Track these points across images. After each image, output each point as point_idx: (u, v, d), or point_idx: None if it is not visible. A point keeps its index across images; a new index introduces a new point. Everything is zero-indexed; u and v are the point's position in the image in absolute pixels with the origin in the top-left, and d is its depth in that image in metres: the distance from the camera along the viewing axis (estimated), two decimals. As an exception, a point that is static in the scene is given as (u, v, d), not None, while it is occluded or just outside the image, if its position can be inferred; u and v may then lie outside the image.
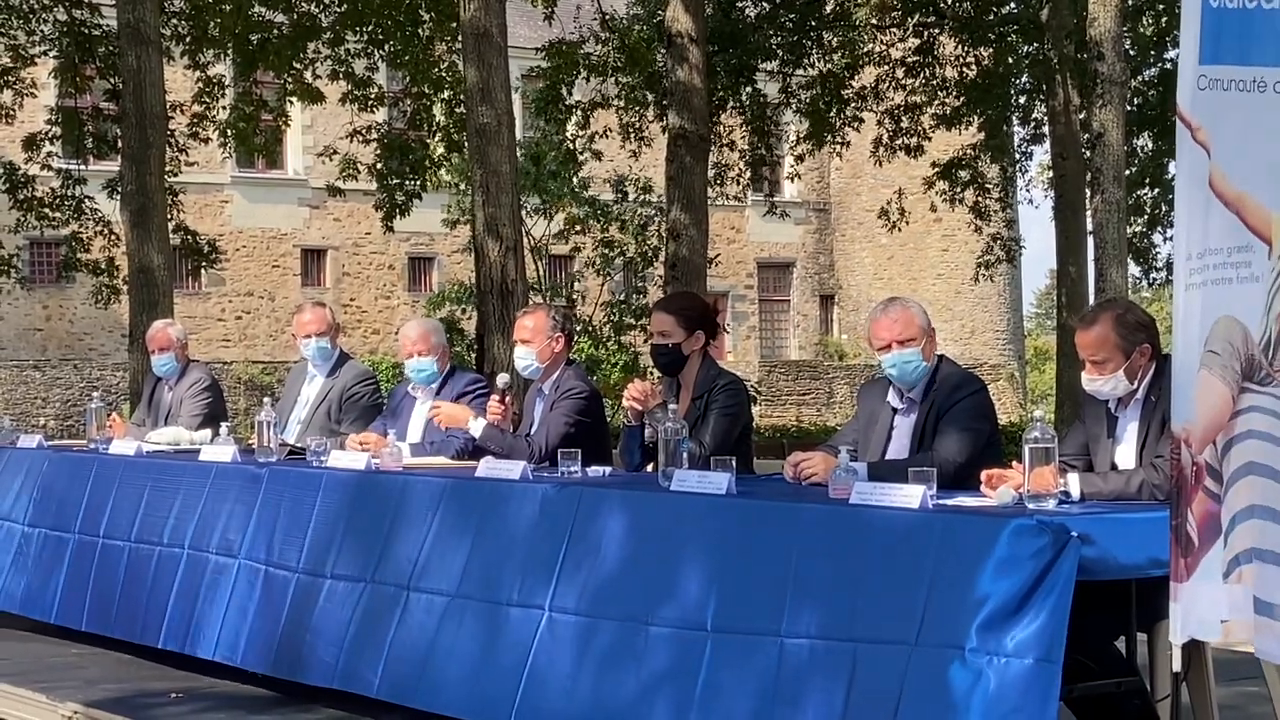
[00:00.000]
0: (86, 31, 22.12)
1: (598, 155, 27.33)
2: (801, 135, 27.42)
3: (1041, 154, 32.51)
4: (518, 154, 17.49)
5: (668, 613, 5.12)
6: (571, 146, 26.87)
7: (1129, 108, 22.43)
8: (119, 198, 18.58)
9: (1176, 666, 4.41)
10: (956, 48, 26.59)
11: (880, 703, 4.44)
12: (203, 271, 34.19)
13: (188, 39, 22.70)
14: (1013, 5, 27.10)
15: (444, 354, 7.72)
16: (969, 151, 27.93)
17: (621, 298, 32.52)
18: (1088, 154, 21.89)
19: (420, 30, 23.24)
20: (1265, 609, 4.19)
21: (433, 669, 5.85)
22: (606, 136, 25.66)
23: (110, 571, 7.80)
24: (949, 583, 4.40)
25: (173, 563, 7.38)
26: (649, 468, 6.61)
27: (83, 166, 23.04)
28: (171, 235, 19.54)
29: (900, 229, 28.72)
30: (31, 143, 22.86)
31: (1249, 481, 4.15)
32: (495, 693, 5.56)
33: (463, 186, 27.51)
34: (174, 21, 22.35)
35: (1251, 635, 4.23)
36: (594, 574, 5.42)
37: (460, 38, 16.63)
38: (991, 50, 26.54)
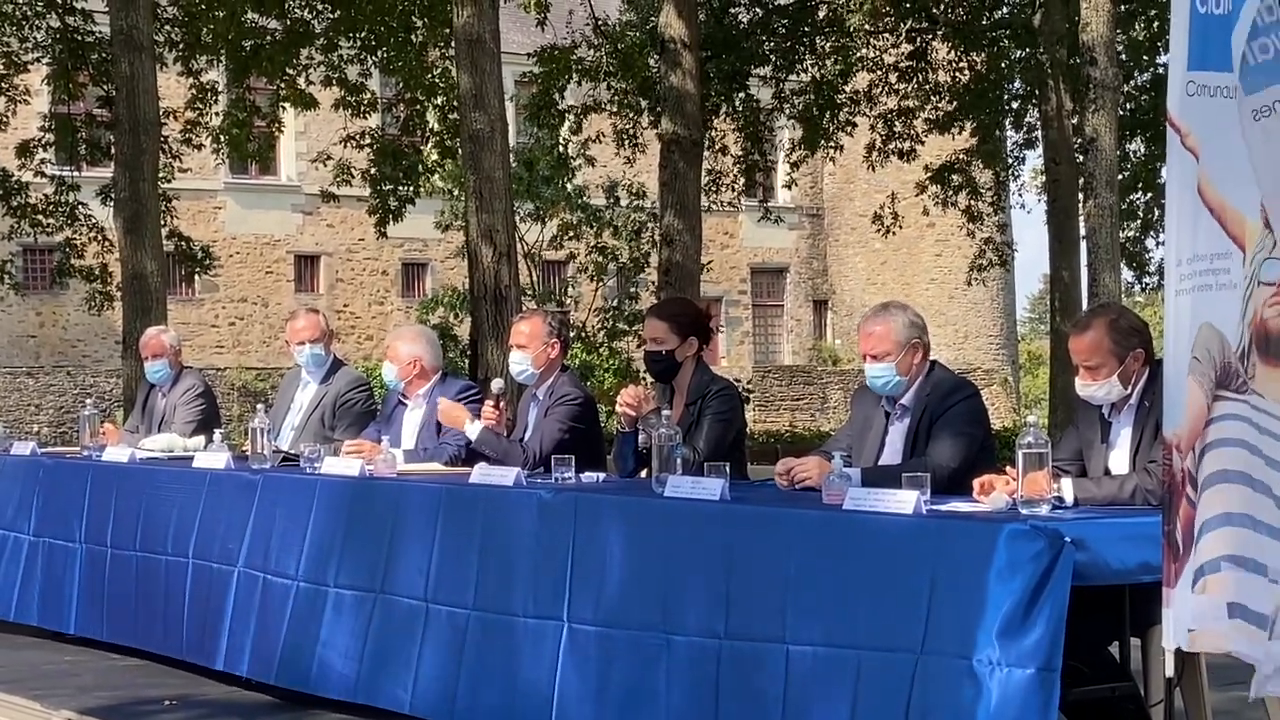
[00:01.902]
0: (79, 38, 22.12)
1: (590, 161, 27.35)
2: (795, 141, 27.44)
3: (1034, 159, 32.56)
4: (511, 160, 17.50)
5: (681, 621, 5.13)
6: (563, 151, 26.88)
7: (1121, 112, 22.46)
8: (112, 204, 18.60)
9: (1169, 672, 4.42)
10: (949, 53, 26.61)
11: (888, 712, 4.45)
12: (196, 278, 34.15)
13: (181, 45, 22.70)
14: (1005, 10, 27.13)
15: (414, 362, 7.70)
16: (962, 156, 27.96)
17: (614, 303, 32.53)
18: (1080, 159, 21.90)
19: (413, 36, 23.25)
20: (1241, 613, 4.21)
21: (467, 685, 5.84)
22: (600, 142, 25.67)
23: (123, 582, 7.82)
24: (947, 590, 4.41)
25: (180, 573, 7.40)
26: (643, 473, 6.61)
27: (76, 173, 23.04)
28: (165, 241, 19.54)
29: (894, 233, 28.74)
30: (25, 149, 22.85)
31: (1220, 490, 4.18)
32: (531, 707, 5.56)
33: (456, 192, 27.54)
34: (167, 28, 22.35)
35: (1217, 644, 4.25)
36: (604, 583, 5.43)
37: (453, 44, 16.64)
38: (984, 55, 26.56)
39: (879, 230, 28.65)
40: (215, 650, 7.09)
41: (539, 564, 5.67)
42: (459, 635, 5.91)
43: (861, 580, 4.63)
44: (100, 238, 22.81)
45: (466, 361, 18.13)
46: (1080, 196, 22.62)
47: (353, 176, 24.46)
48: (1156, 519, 4.35)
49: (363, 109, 23.99)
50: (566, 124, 25.23)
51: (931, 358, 5.90)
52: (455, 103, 19.29)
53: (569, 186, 31.43)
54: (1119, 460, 5.32)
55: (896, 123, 26.93)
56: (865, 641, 4.56)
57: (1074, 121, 23.07)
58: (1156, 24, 25.50)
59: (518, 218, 22.62)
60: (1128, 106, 25.05)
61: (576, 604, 5.50)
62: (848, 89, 26.47)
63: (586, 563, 5.50)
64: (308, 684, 6.54)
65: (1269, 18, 4.21)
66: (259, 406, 7.87)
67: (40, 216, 23.00)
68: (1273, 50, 4.22)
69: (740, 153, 26.97)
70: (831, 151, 27.29)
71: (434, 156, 25.42)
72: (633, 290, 33.17)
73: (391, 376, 7.73)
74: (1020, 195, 32.51)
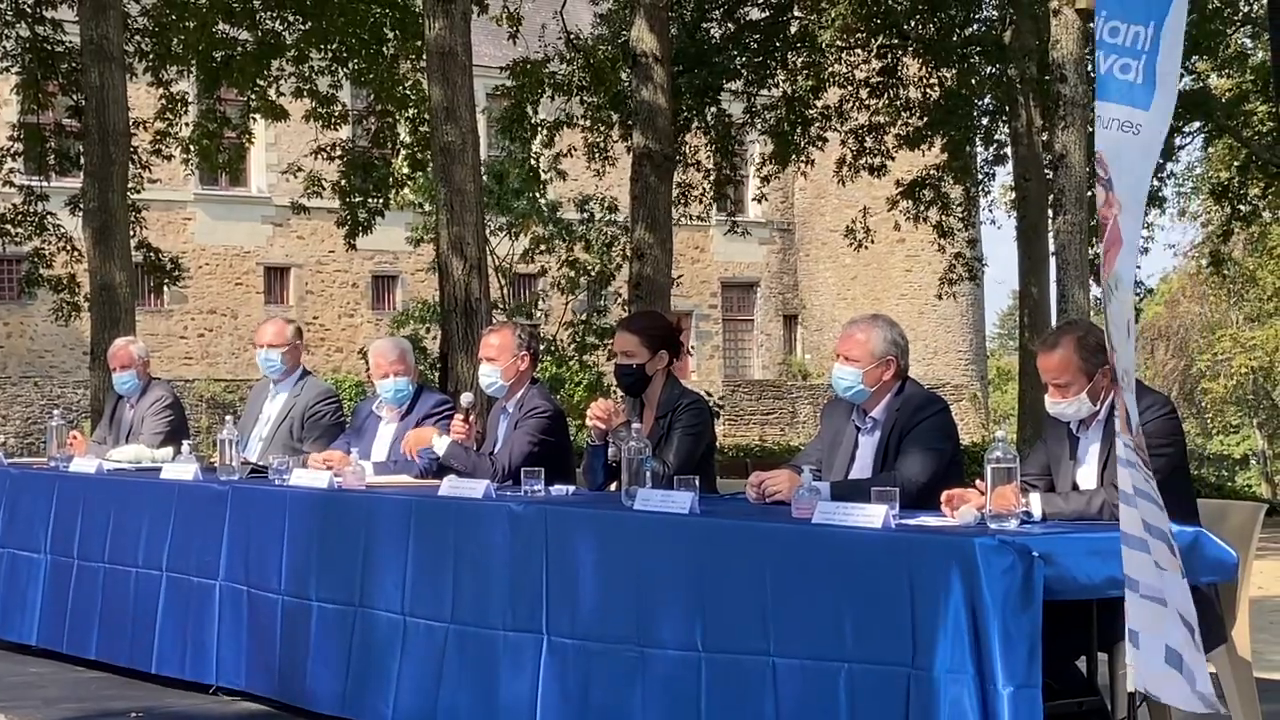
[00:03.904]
0: (49, 48, 22.04)
1: (562, 175, 27.37)
2: (766, 156, 27.51)
3: (1004, 175, 32.79)
4: (482, 172, 17.50)
5: (658, 634, 5.13)
6: (534, 165, 26.90)
7: (1091, 129, 22.56)
8: (81, 214, 18.51)
9: (1132, 687, 4.43)
10: (920, 69, 26.73)
11: None
12: (165, 289, 33.97)
13: (151, 56, 22.64)
14: (976, 27, 27.27)
15: (416, 374, 7.74)
16: (932, 172, 28.06)
17: (583, 317, 32.53)
18: (1050, 175, 22.00)
19: (385, 48, 23.25)
20: (1134, 638, 4.24)
21: (447, 699, 5.84)
22: (571, 156, 25.70)
23: (88, 594, 7.77)
24: (924, 604, 4.41)
25: (152, 585, 7.35)
26: (612, 487, 6.61)
27: (45, 183, 22.93)
28: (134, 252, 19.46)
29: (866, 248, 28.83)
30: (-8, 159, 22.76)
31: (1124, 508, 4.23)
32: None
33: (427, 206, 27.51)
34: (137, 38, 22.30)
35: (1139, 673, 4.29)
36: (579, 596, 5.44)
37: (425, 56, 16.63)
38: (954, 71, 26.68)
39: (850, 245, 28.74)
40: (203, 664, 7.06)
41: (514, 577, 5.67)
42: (438, 649, 5.91)
43: (839, 594, 4.63)
44: (69, 248, 22.70)
45: (436, 374, 18.10)
46: (1050, 213, 22.72)
47: (323, 188, 24.41)
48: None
49: (334, 121, 23.96)
50: (539, 138, 25.24)
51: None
52: (426, 115, 19.27)
53: (541, 201, 31.44)
54: (1087, 476, 5.34)
55: (867, 138, 27.03)
56: (854, 655, 4.56)
57: (1044, 138, 23.19)
58: (1125, 41, 25.60)
59: (488, 231, 22.60)
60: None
61: (554, 617, 5.51)
62: (819, 104, 26.57)
63: (561, 575, 5.51)
64: (303, 698, 6.54)
65: (1126, 39, 4.24)
66: (227, 418, 7.85)
67: (9, 226, 22.89)
68: (1135, 73, 4.23)
69: (711, 167, 27.03)
70: (802, 166, 27.36)
71: (405, 169, 25.40)
72: (602, 304, 33.17)
73: (407, 389, 7.59)
74: (990, 211, 32.71)
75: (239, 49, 22.93)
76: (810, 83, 25.94)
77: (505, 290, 32.76)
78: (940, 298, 30.25)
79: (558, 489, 6.12)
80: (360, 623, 6.26)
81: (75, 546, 7.89)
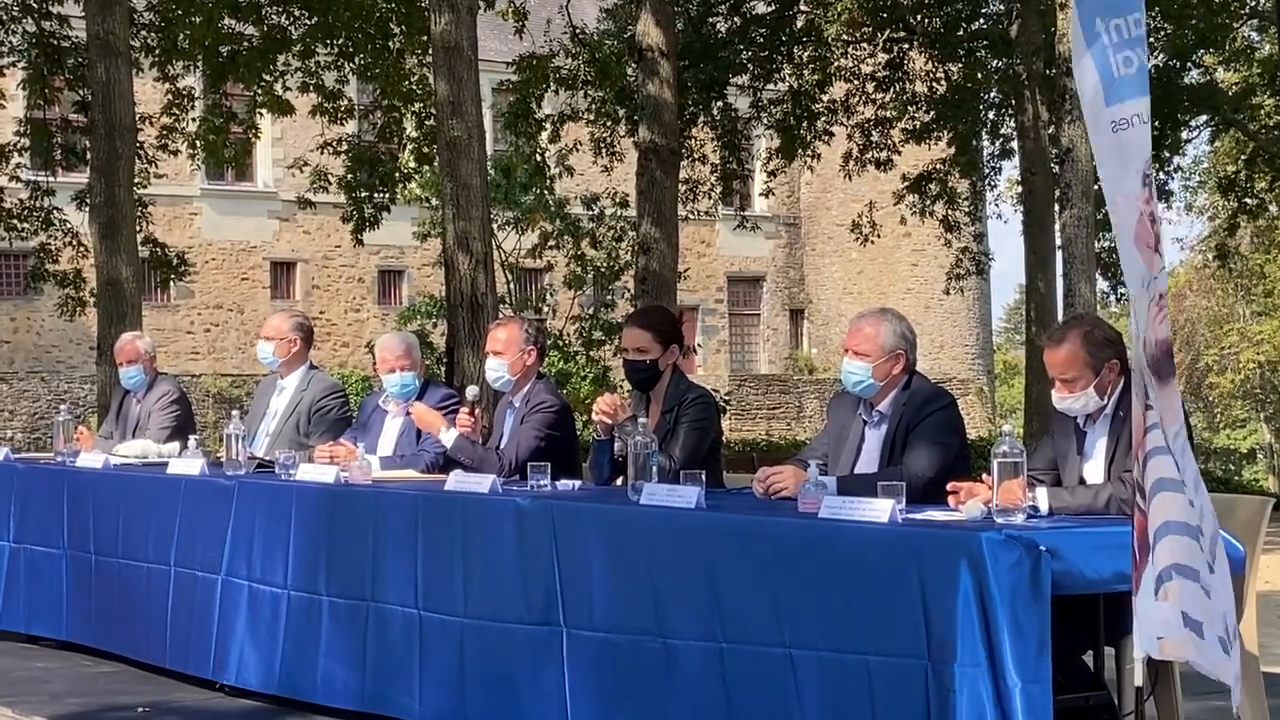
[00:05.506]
0: (55, 43, 22.03)
1: (569, 170, 27.34)
2: (772, 150, 27.49)
3: (1010, 169, 32.71)
4: (488, 167, 17.49)
5: (675, 626, 5.14)
6: (539, 160, 26.89)
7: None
8: (88, 209, 18.52)
9: (1138, 681, 4.43)
10: (926, 63, 26.71)
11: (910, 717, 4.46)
12: (171, 284, 34.05)
13: (157, 51, 22.65)
14: (982, 21, 27.23)
15: (423, 368, 7.74)
16: (939, 166, 28.04)
17: (590, 311, 32.53)
18: (1056, 169, 21.97)
19: (391, 43, 23.24)
20: (1192, 625, 4.24)
21: (473, 692, 5.85)
22: (577, 151, 25.69)
23: (108, 588, 7.81)
24: (933, 598, 4.41)
25: (162, 580, 7.37)
26: (618, 481, 6.61)
27: (51, 178, 22.94)
28: (140, 247, 19.48)
29: (872, 242, 28.81)
30: (0, 154, 22.74)
31: (1162, 497, 4.23)
32: (546, 713, 5.57)
33: (433, 201, 27.51)
34: (143, 33, 22.30)
35: (1183, 652, 4.29)
36: (593, 589, 5.44)
37: (431, 51, 16.62)
38: (961, 66, 26.67)
39: (856, 239, 28.73)
40: (202, 658, 7.07)
41: (525, 571, 5.68)
42: (456, 643, 5.92)
43: (848, 588, 4.63)
44: (75, 243, 22.72)
45: (443, 369, 18.10)
46: (1056, 207, 22.71)
47: (329, 183, 24.41)
48: (1129, 528, 4.37)
49: (339, 116, 23.95)
50: (545, 133, 25.24)
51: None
52: (432, 110, 19.26)
53: (549, 198, 31.43)
54: (1094, 470, 5.33)
55: (873, 132, 27.01)
56: (869, 648, 4.56)
57: (1050, 132, 23.14)
58: (1132, 35, 25.55)
59: (495, 225, 22.61)
60: (1103, 117, 25.18)
61: (571, 610, 5.52)
62: (825, 98, 26.54)
63: (572, 569, 5.52)
64: (313, 693, 6.53)
65: (1135, 30, 4.24)
66: (234, 413, 7.85)
67: (15, 221, 22.90)
68: (1135, 64, 4.24)
69: (718, 161, 27.01)
70: (809, 160, 27.34)
71: (411, 164, 25.40)
72: (609, 298, 33.17)
73: (413, 384, 7.60)
74: (996, 205, 32.69)
75: (245, 44, 22.92)
76: (816, 77, 25.91)
77: (511, 285, 32.77)
78: (947, 292, 30.23)
79: (563, 484, 6.12)
80: (374, 618, 6.27)
81: (91, 542, 7.91)
